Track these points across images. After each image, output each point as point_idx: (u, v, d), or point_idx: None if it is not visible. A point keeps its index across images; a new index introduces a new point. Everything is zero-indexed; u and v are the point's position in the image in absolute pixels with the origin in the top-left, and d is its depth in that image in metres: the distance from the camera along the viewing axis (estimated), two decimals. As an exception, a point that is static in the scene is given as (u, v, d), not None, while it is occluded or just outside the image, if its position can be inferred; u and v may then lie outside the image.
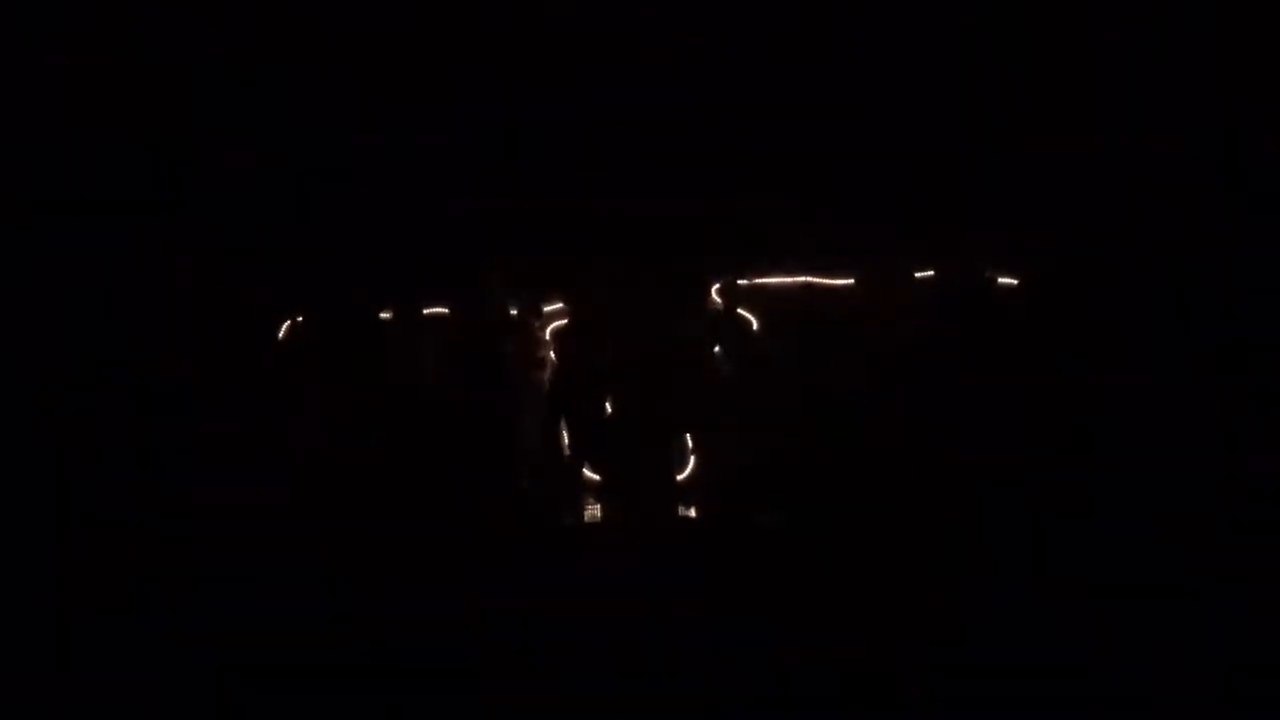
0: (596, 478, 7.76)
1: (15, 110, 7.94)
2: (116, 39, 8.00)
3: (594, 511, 7.64)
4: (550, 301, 7.90)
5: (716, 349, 7.70)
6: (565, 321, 7.86)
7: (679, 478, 7.65)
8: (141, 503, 6.82)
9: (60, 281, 7.80)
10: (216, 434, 7.41)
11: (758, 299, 7.79)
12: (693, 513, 7.49)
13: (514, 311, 7.81)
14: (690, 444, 7.70)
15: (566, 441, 7.75)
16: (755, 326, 7.76)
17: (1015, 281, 7.59)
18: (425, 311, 7.91)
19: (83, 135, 8.01)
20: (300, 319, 8.02)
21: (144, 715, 4.36)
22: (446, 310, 7.92)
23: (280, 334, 8.01)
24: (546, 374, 7.79)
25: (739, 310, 7.77)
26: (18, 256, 7.79)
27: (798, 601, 5.33)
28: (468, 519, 7.07)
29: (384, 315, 7.93)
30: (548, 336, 7.87)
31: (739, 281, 7.79)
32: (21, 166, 7.91)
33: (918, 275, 7.60)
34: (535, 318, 7.83)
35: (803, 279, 7.82)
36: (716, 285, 7.81)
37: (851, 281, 7.72)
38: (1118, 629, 4.89)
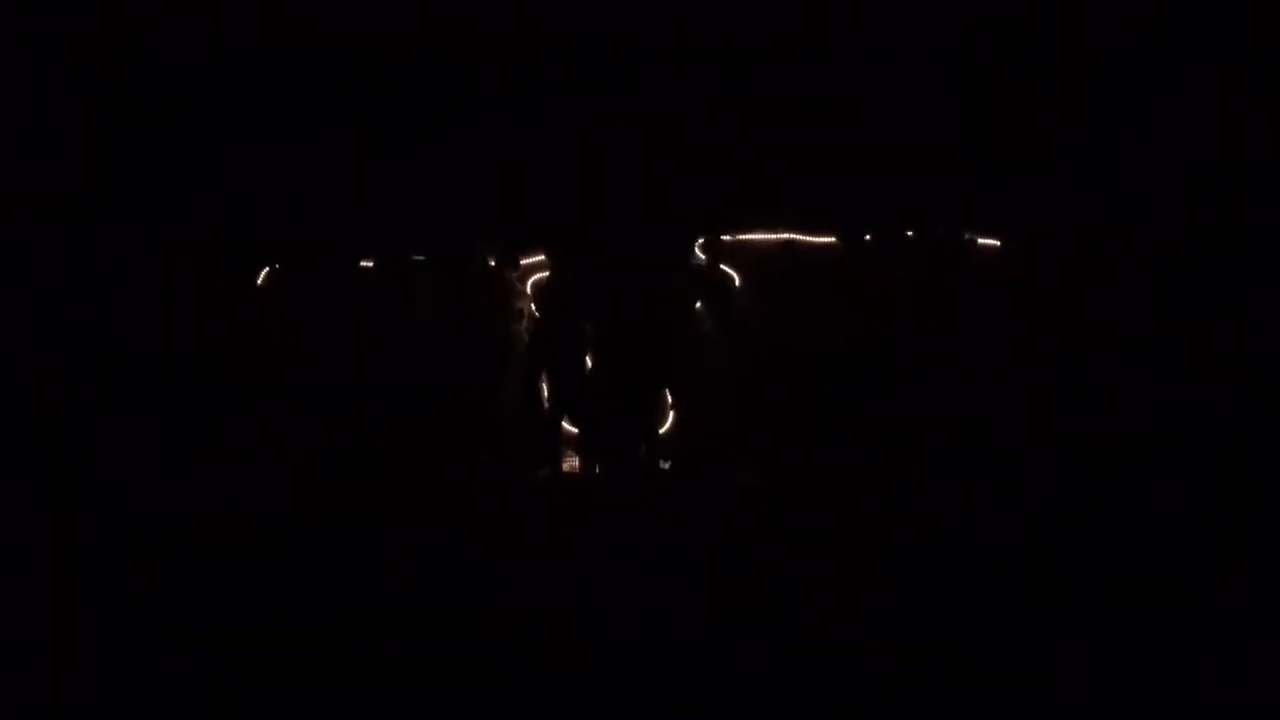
0: (575, 430, 7.76)
1: (15, 110, 7.95)
2: (116, 39, 8.00)
3: (572, 464, 7.69)
4: (530, 254, 7.89)
5: (698, 304, 7.71)
6: (546, 274, 7.84)
7: (658, 431, 7.67)
8: (142, 502, 6.82)
9: (60, 281, 7.80)
10: (216, 434, 7.43)
11: (740, 255, 7.79)
12: (670, 466, 7.56)
13: (492, 263, 7.80)
14: (670, 398, 7.72)
15: (546, 394, 7.75)
16: (738, 283, 7.77)
17: (996, 242, 7.61)
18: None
19: (83, 135, 8.02)
20: (278, 265, 8.01)
21: (144, 715, 4.37)
22: (424, 257, 7.92)
23: (259, 280, 8.01)
24: (525, 325, 7.79)
25: (721, 266, 7.78)
26: (18, 256, 7.79)
27: (795, 602, 5.33)
28: (455, 475, 7.08)
29: (365, 264, 7.94)
30: (528, 289, 7.86)
31: (722, 237, 7.80)
32: (21, 166, 7.91)
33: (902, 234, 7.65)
34: (514, 269, 7.83)
35: (786, 235, 7.83)
36: (700, 241, 7.81)
37: (834, 239, 7.74)
38: (1118, 629, 4.89)
